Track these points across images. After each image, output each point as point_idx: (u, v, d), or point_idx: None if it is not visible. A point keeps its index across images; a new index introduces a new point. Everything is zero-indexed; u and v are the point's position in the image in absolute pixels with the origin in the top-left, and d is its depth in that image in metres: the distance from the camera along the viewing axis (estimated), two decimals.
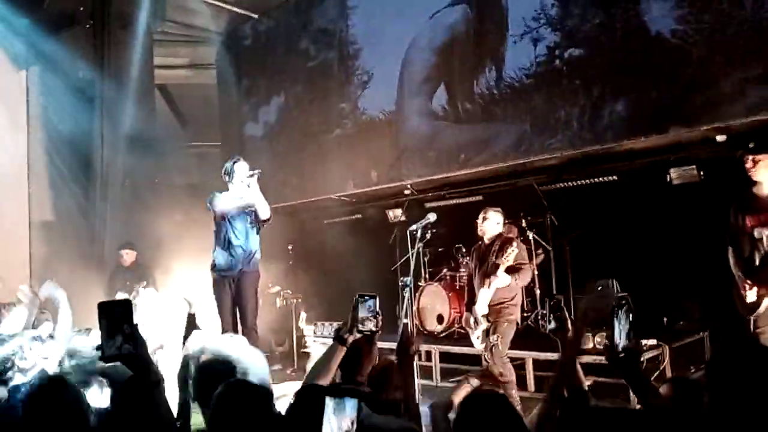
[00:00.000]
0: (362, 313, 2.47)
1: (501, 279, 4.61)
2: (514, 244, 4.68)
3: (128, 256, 7.06)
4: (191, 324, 3.71)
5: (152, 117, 8.29)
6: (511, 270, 4.64)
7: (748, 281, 3.65)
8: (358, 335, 2.50)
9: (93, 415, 2.16)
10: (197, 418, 2.49)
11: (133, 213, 7.49)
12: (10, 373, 3.14)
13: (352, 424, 1.95)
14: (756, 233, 3.65)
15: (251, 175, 5.01)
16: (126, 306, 2.01)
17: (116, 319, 1.97)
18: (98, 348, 2.00)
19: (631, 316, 2.21)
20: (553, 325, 2.48)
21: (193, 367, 2.67)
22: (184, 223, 7.26)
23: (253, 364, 2.57)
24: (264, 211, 5.05)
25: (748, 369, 1.72)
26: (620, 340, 2.14)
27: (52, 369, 3.19)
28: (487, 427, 1.80)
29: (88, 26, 7.98)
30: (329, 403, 2.14)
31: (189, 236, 6.83)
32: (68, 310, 3.95)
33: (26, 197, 7.63)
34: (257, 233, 5.21)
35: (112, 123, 7.74)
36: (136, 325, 2.01)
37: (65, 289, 4.08)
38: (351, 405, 2.05)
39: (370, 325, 2.47)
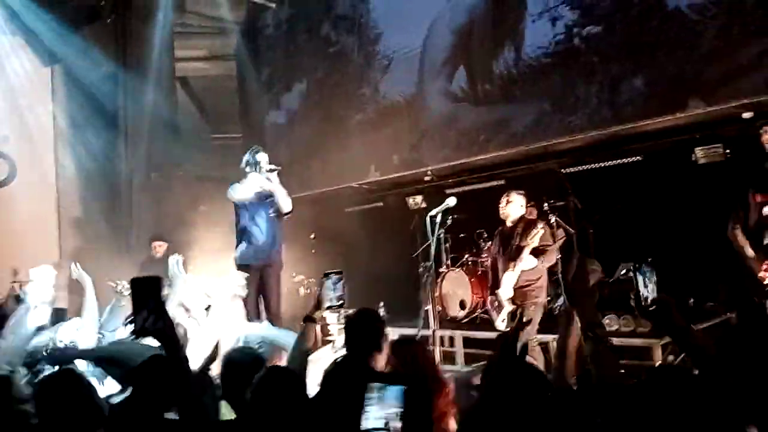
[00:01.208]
0: (327, 290, 2.58)
1: (527, 261, 4.59)
2: (539, 225, 4.65)
3: (160, 248, 7.16)
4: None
5: (174, 110, 8.39)
6: (536, 252, 4.61)
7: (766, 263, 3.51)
8: (326, 311, 2.67)
9: (105, 405, 2.22)
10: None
11: (159, 205, 7.62)
12: (39, 365, 3.26)
13: (396, 414, 1.91)
14: (765, 210, 3.53)
15: (271, 170, 5.08)
16: (154, 282, 2.04)
17: (145, 295, 2.01)
18: (129, 322, 2.04)
19: (655, 274, 2.14)
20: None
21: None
22: (208, 214, 7.38)
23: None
24: (286, 205, 5.13)
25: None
26: (647, 293, 2.07)
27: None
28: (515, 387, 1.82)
29: (109, 21, 8.09)
30: (372, 390, 2.11)
31: (212, 226, 6.94)
32: (94, 299, 4.06)
33: (54, 193, 7.83)
34: (278, 224, 5.27)
35: (135, 116, 7.86)
36: (163, 301, 2.04)
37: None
38: (395, 393, 1.99)
39: (334, 301, 2.59)
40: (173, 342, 2.05)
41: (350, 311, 2.92)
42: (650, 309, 2.05)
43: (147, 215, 7.58)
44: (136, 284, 2.03)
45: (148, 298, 2.00)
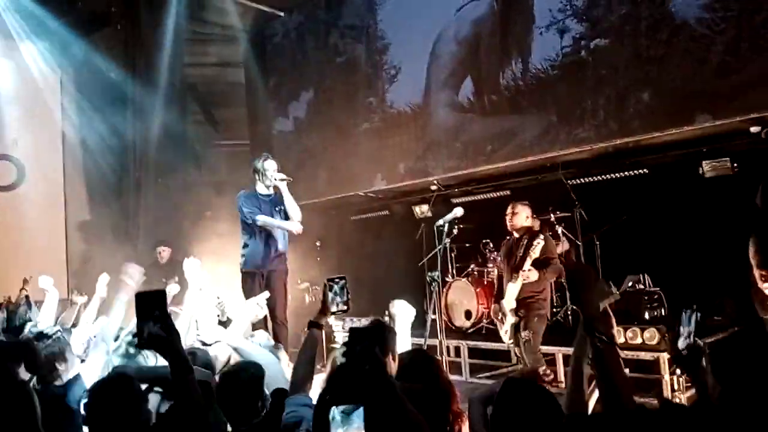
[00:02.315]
0: (332, 296, 2.58)
1: (529, 273, 4.58)
2: (541, 237, 4.65)
3: (165, 253, 7.19)
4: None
5: (183, 116, 8.42)
6: (540, 264, 4.61)
7: (764, 271, 3.46)
8: (331, 316, 2.61)
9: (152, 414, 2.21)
10: None
11: (165, 210, 7.64)
12: (51, 376, 3.25)
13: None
14: None
15: (282, 180, 5.10)
16: (159, 296, 2.03)
17: (149, 308, 2.01)
18: (134, 336, 2.04)
19: (697, 317, 2.20)
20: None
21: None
22: (213, 220, 7.40)
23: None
24: (295, 214, 5.15)
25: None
26: (684, 339, 2.13)
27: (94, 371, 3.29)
28: (525, 412, 1.79)
29: (119, 27, 8.14)
30: (336, 414, 2.14)
31: (217, 232, 6.96)
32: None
33: (62, 197, 7.87)
34: (283, 231, 5.28)
35: (143, 122, 7.89)
36: (168, 313, 2.04)
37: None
38: (358, 415, 2.04)
39: (340, 306, 2.59)
40: (179, 353, 2.02)
41: (356, 320, 2.94)
42: (682, 353, 2.09)
43: (153, 220, 7.60)
44: (140, 297, 2.03)
45: (153, 310, 1.99)
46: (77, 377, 3.17)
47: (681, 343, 2.11)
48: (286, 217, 5.19)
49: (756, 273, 3.47)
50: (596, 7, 5.54)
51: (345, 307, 2.61)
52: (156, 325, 1.97)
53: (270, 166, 5.21)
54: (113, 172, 7.91)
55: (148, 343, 2.00)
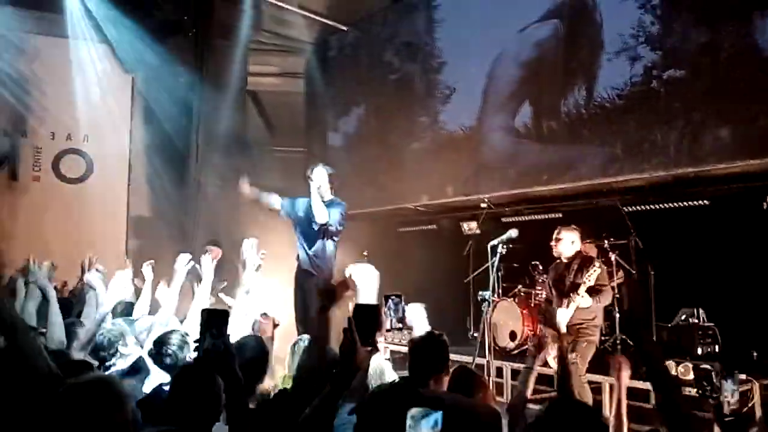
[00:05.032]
0: (388, 312, 2.61)
1: (582, 299, 4.56)
2: (596, 263, 4.62)
3: (212, 253, 7.34)
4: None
5: (244, 122, 8.71)
6: (592, 291, 4.58)
7: None
8: (387, 334, 2.64)
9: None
10: None
11: (223, 211, 7.88)
12: (113, 360, 3.40)
13: None
14: None
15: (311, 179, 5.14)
16: (222, 315, 2.14)
17: (212, 324, 2.10)
18: (195, 350, 2.15)
19: (737, 377, 2.18)
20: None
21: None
22: (267, 224, 7.58)
23: None
24: (317, 215, 5.11)
25: None
26: (730, 400, 2.10)
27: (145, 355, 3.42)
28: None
29: (190, 35, 8.51)
30: (412, 417, 2.17)
31: (271, 236, 7.12)
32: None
33: (126, 192, 8.23)
34: (330, 239, 5.28)
35: (207, 126, 8.21)
36: (227, 334, 2.12)
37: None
38: (436, 419, 2.07)
39: (395, 323, 2.62)
40: (232, 371, 2.10)
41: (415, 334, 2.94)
42: (729, 418, 2.07)
43: (210, 222, 7.85)
44: (206, 313, 2.14)
45: (213, 327, 2.09)
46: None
47: (726, 409, 2.08)
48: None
49: None
50: (671, 36, 5.25)
51: (399, 325, 2.66)
52: (214, 343, 2.07)
53: (316, 174, 5.20)
54: (176, 171, 8.24)
55: (205, 359, 2.09)
